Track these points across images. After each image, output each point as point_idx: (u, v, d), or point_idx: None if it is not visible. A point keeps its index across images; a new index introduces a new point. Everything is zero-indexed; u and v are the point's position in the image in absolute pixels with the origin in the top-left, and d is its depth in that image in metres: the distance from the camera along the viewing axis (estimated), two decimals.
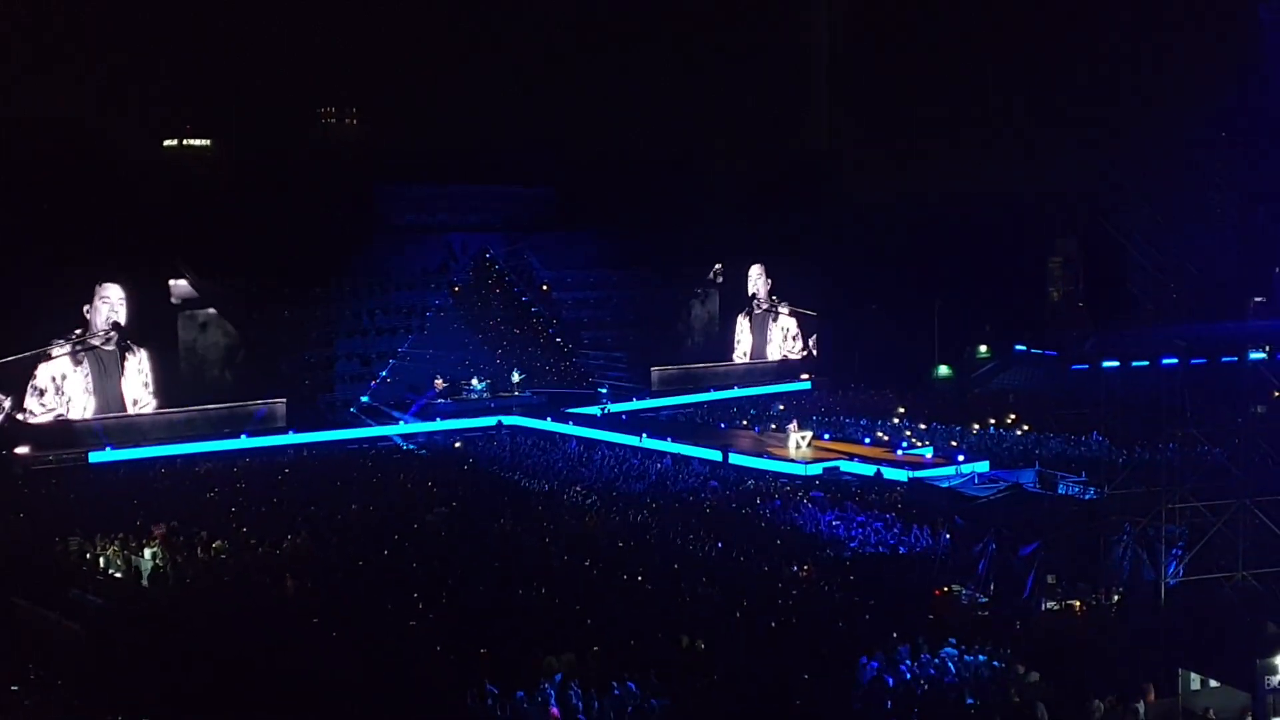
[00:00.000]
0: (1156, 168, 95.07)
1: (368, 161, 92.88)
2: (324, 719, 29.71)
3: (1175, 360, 39.83)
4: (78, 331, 68.24)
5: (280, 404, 73.73)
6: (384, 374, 78.81)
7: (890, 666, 31.67)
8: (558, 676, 31.00)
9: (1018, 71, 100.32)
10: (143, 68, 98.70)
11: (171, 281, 71.91)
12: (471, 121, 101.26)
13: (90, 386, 68.51)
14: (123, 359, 69.71)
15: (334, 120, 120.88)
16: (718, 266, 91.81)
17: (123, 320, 69.44)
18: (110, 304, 69.22)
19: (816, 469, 59.29)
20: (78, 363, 68.19)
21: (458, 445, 69.74)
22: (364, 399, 76.94)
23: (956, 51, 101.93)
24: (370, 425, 73.61)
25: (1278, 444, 53.47)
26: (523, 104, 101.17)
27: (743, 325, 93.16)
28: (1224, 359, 39.53)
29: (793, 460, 61.08)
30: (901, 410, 74.92)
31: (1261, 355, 40.58)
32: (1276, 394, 44.76)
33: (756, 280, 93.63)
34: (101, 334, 68.80)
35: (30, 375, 66.87)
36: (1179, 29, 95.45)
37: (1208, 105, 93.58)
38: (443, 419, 75.70)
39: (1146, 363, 40.55)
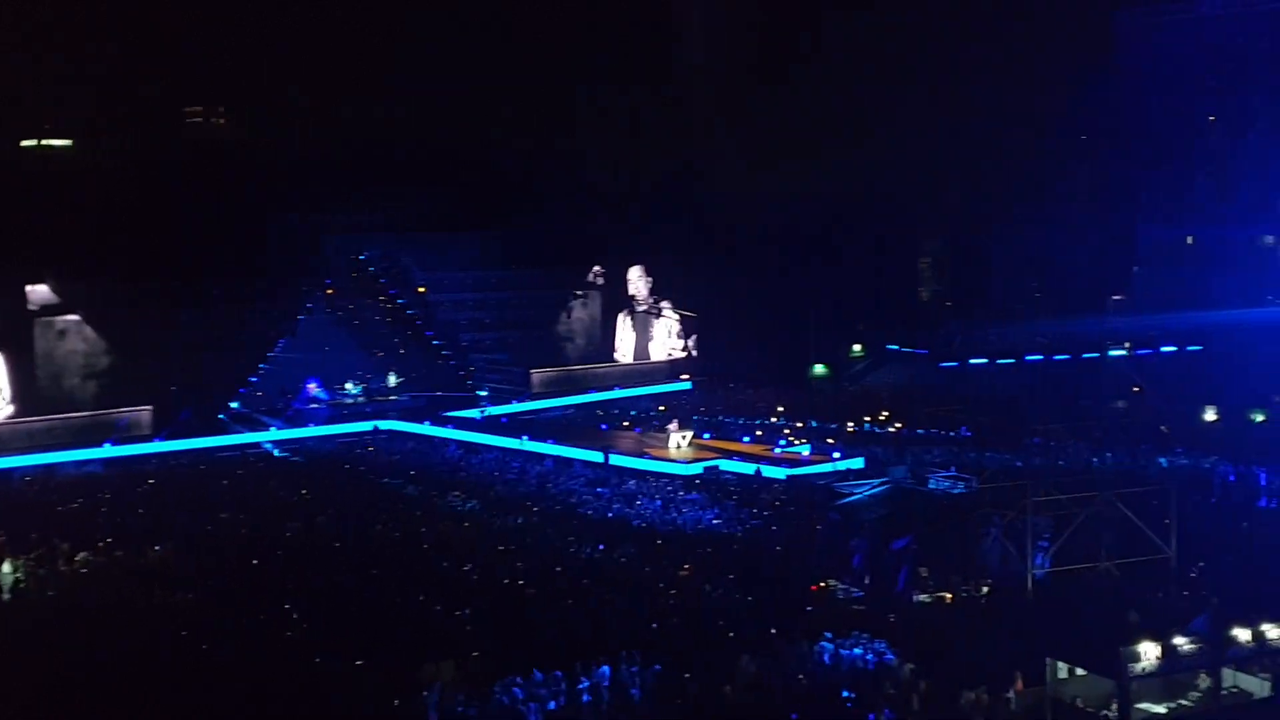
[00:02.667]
0: (1020, 171, 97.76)
1: (238, 161, 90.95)
2: None
3: (1039, 357, 41.03)
4: None
5: (146, 411, 71.67)
6: (255, 379, 77.18)
7: (769, 661, 32.08)
8: (438, 685, 30.78)
9: (886, 76, 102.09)
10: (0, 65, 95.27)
11: (29, 287, 69.58)
12: (345, 122, 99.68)
13: None
14: None
15: (202, 119, 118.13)
16: (597, 269, 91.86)
17: None
18: None
19: (697, 468, 59.68)
20: None
21: (371, 449, 68.60)
22: (234, 405, 75.27)
23: (825, 54, 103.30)
24: (241, 432, 72.04)
25: (1138, 438, 55.53)
26: (398, 103, 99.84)
27: (624, 325, 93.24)
28: (1085, 355, 40.82)
29: (673, 460, 61.38)
30: (780, 409, 75.78)
31: (1121, 352, 42.03)
32: (1136, 389, 46.52)
33: (637, 281, 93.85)
34: None
35: None
36: (1038, 36, 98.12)
37: (1068, 109, 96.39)
38: (316, 424, 74.44)
39: (1012, 360, 41.73)
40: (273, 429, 72.46)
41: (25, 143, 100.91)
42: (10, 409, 68.15)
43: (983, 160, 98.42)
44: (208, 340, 75.53)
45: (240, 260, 77.89)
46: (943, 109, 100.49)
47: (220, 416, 72.71)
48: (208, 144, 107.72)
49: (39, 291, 69.98)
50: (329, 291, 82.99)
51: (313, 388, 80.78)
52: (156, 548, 45.71)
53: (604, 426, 74.03)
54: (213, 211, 77.71)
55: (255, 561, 44.07)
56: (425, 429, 72.99)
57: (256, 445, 70.48)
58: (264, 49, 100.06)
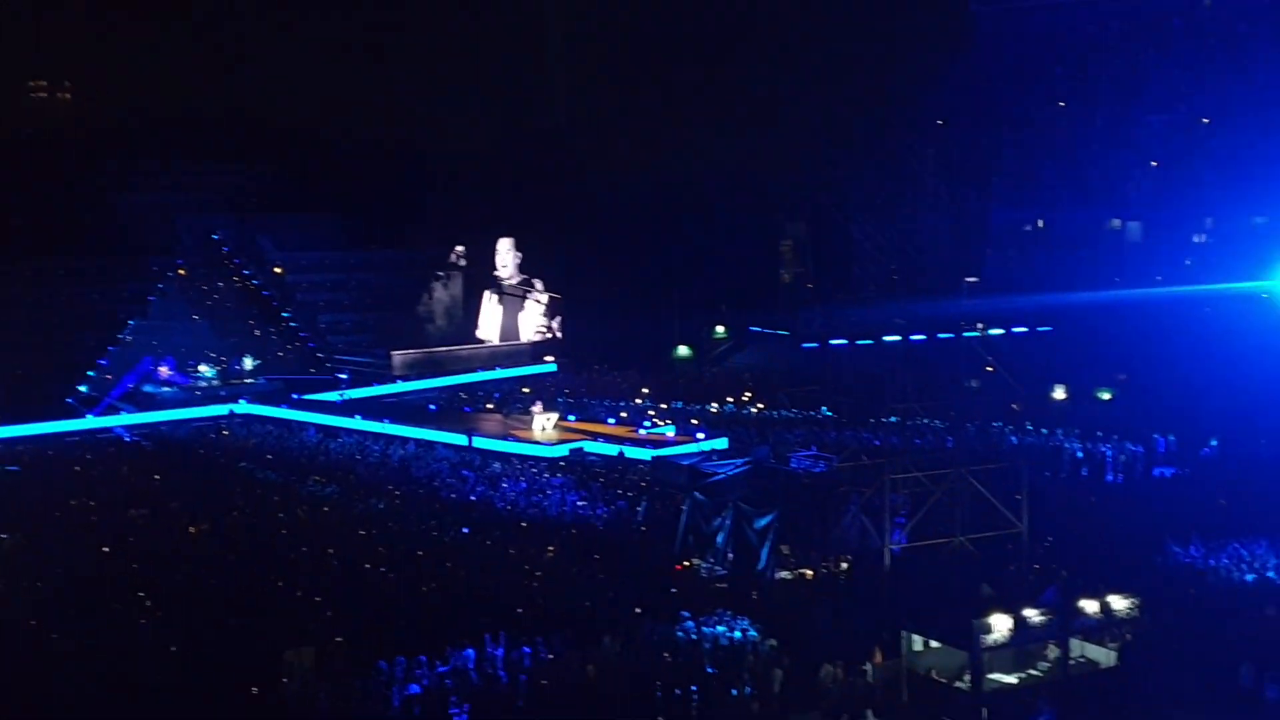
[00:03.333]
0: (878, 155, 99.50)
1: (83, 138, 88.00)
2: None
3: (897, 338, 41.84)
4: None
5: None
6: (104, 361, 74.80)
7: (632, 640, 32.22)
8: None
9: (750, 57, 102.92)
10: None
11: None
12: (196, 98, 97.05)
13: None
14: None
15: (46, 95, 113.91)
16: (459, 249, 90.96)
17: None
18: None
19: (562, 450, 59.60)
20: None
21: (225, 433, 66.83)
22: (82, 389, 72.83)
23: (691, 35, 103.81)
24: (89, 416, 69.75)
25: (991, 416, 57.03)
26: (250, 80, 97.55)
27: (490, 303, 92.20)
28: (941, 336, 41.73)
29: (538, 442, 61.22)
30: (645, 390, 76.05)
31: (975, 333, 43.05)
32: (990, 369, 47.65)
33: (505, 254, 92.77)
34: None
35: None
36: (895, 20, 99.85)
37: (925, 93, 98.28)
38: (169, 408, 72.45)
39: (870, 341, 42.47)
40: (123, 413, 70.34)
41: None
42: None
43: (842, 144, 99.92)
44: (53, 321, 73.12)
45: (87, 239, 75.49)
46: (805, 92, 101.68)
47: (68, 400, 70.33)
48: (51, 120, 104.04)
49: None
50: (181, 272, 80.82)
51: (164, 370, 78.59)
52: (3, 536, 44.06)
53: (467, 409, 73.53)
54: (57, 189, 75.15)
55: (105, 549, 42.75)
56: (283, 413, 71.58)
57: (107, 430, 68.35)
58: (108, 23, 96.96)
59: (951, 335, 41.83)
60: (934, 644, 31.31)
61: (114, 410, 70.49)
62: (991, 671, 30.26)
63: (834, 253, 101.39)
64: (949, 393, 40.73)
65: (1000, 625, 29.58)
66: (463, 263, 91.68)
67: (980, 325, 43.61)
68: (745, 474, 41.82)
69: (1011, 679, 30.47)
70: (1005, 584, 32.26)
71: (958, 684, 30.17)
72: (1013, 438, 56.45)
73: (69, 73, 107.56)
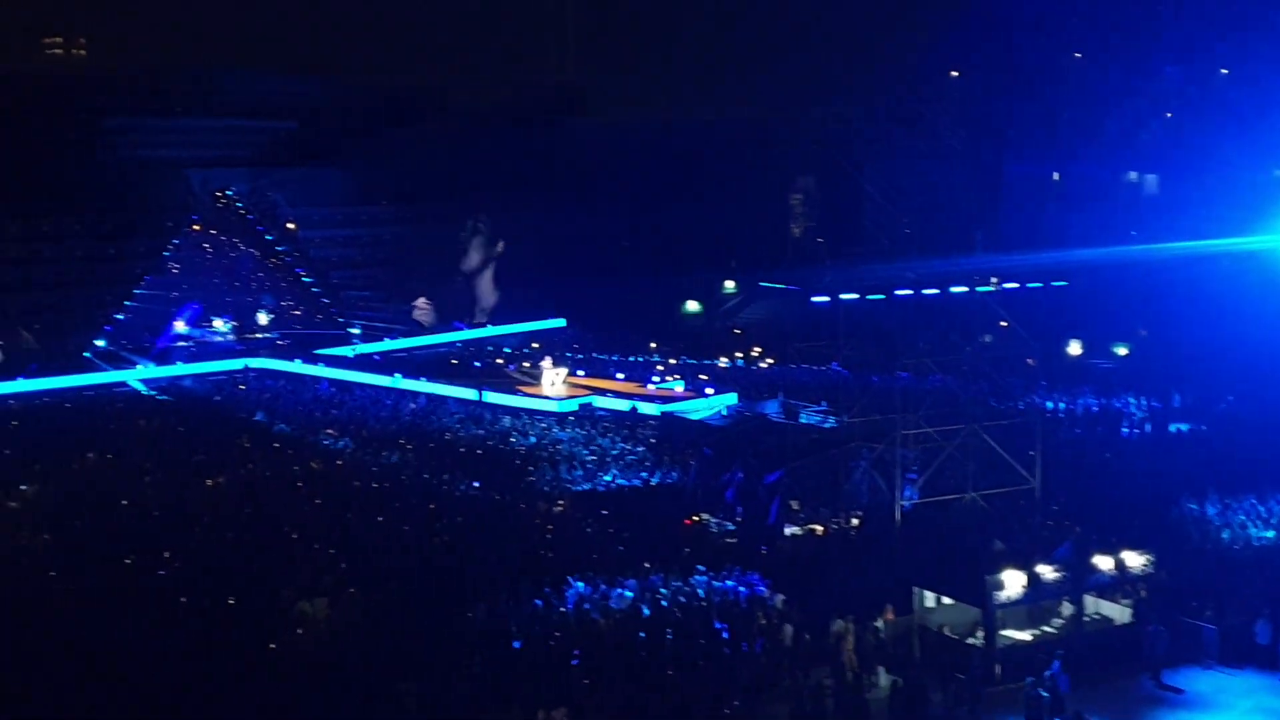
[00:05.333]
0: (890, 106, 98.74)
1: (98, 93, 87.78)
2: (65, 673, 28.44)
3: (909, 292, 41.61)
4: None
5: None
6: (121, 316, 75.03)
7: (645, 594, 32.37)
8: None
9: (761, 10, 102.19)
10: None
11: None
12: (208, 53, 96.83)
13: None
14: None
15: (61, 50, 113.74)
16: (470, 207, 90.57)
17: None
18: None
19: (571, 405, 59.70)
20: None
21: (242, 387, 67.03)
22: (100, 343, 73.11)
23: None
24: (107, 370, 70.05)
25: (1003, 372, 56.85)
26: (263, 35, 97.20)
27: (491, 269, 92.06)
28: (953, 290, 41.48)
29: (548, 397, 61.33)
30: (654, 346, 76.01)
31: (989, 288, 42.75)
32: (1003, 324, 47.33)
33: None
34: None
35: None
36: None
37: (938, 42, 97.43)
38: (185, 363, 72.74)
39: (882, 295, 42.22)
40: (140, 367, 70.66)
41: None
42: None
43: (854, 96, 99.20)
44: (70, 277, 73.42)
45: (103, 195, 75.55)
46: (816, 43, 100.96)
47: (86, 355, 70.62)
48: (66, 75, 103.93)
49: None
50: (195, 228, 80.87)
51: (181, 325, 78.87)
52: (24, 487, 44.32)
53: (478, 364, 73.66)
54: (73, 145, 75.16)
55: (124, 502, 43.04)
56: (297, 367, 71.82)
57: (124, 384, 68.69)
58: None
59: (965, 290, 41.44)
60: (946, 600, 31.36)
61: (132, 364, 70.76)
62: (1004, 628, 30.26)
63: (845, 206, 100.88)
64: (962, 348, 40.59)
65: (1013, 582, 29.58)
66: (473, 220, 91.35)
67: (994, 280, 43.23)
68: (754, 429, 41.84)
69: (1025, 635, 30.49)
70: (1018, 540, 32.23)
71: (970, 640, 30.22)
72: (1026, 393, 56.35)
73: (84, 27, 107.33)
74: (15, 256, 71.41)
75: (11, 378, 65.60)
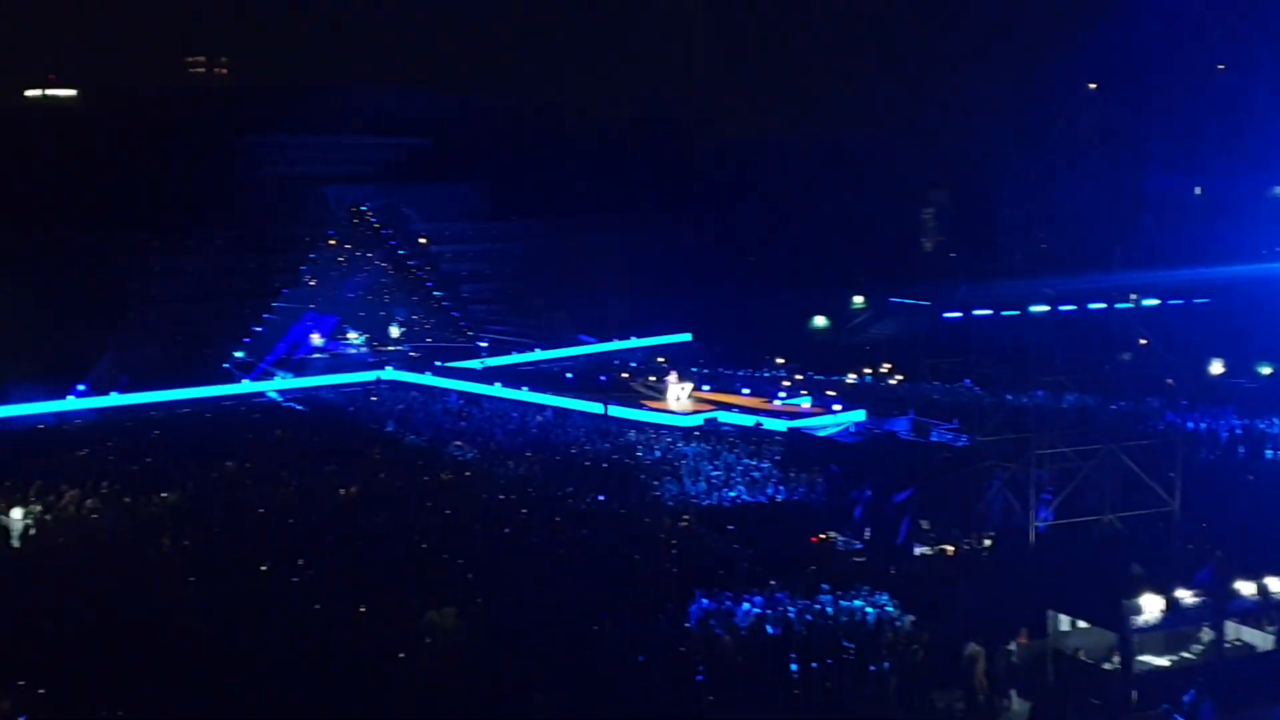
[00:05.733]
0: (1026, 120, 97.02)
1: (239, 111, 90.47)
2: (201, 676, 29.15)
3: (1045, 308, 40.76)
4: None
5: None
6: (259, 328, 77.08)
7: (771, 612, 32.07)
8: None
9: (889, 24, 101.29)
10: (3, 16, 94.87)
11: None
12: (345, 72, 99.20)
13: None
14: None
15: (203, 69, 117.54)
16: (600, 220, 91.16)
17: None
18: None
19: (696, 420, 59.59)
20: None
21: (374, 398, 68.39)
22: (239, 354, 75.18)
23: (826, 3, 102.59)
24: (246, 381, 72.00)
25: (1143, 390, 55.37)
26: (397, 55, 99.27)
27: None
28: (1091, 307, 40.52)
29: (673, 412, 61.30)
30: (780, 361, 75.56)
31: (1128, 304, 41.73)
32: (1143, 341, 46.28)
33: None
34: None
35: None
36: None
37: (1077, 56, 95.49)
38: (320, 374, 74.39)
39: (1016, 311, 41.43)
40: (277, 378, 72.48)
41: (30, 92, 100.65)
42: None
43: (989, 109, 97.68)
44: (211, 289, 75.60)
45: (242, 210, 77.73)
46: (949, 56, 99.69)
47: (225, 366, 72.66)
48: (209, 93, 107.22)
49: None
50: (331, 242, 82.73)
51: (316, 338, 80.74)
52: (164, 495, 45.67)
53: (603, 378, 73.97)
54: (215, 162, 77.44)
55: (261, 510, 44.07)
56: (427, 379, 72.93)
57: (261, 394, 70.51)
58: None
59: (1103, 306, 40.48)
60: (1081, 624, 30.56)
61: (269, 375, 72.66)
62: (1142, 653, 29.37)
63: (978, 221, 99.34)
64: (1100, 366, 39.56)
65: (1151, 606, 28.70)
66: (601, 234, 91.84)
67: (1134, 296, 42.19)
68: (883, 447, 41.29)
69: (1163, 661, 29.56)
70: (1157, 564, 31.26)
71: (1106, 666, 29.40)
72: (1166, 413, 54.73)
73: (225, 48, 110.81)
74: (158, 269, 73.71)
75: (104, 391, 67.31)
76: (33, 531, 42.37)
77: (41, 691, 27.69)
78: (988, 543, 38.07)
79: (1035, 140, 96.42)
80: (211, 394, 69.44)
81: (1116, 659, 29.27)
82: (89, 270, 71.17)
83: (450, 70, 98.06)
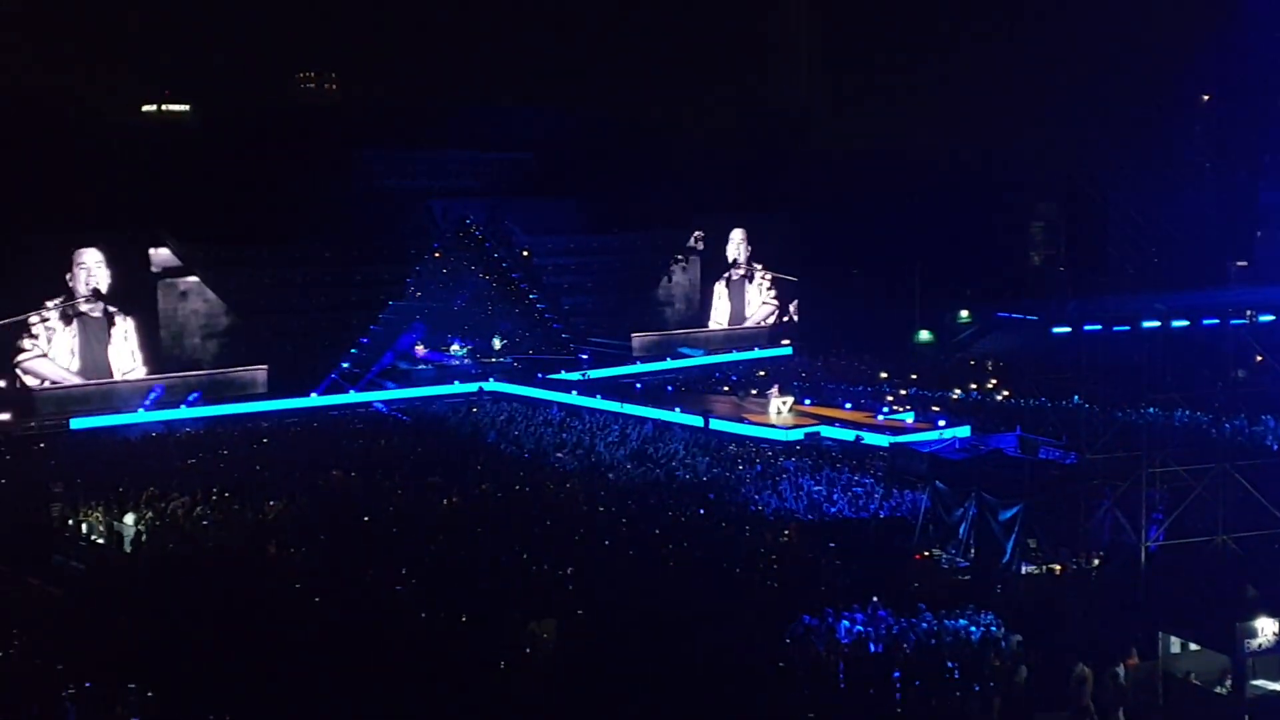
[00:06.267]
0: (1138, 131, 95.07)
1: (347, 125, 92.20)
2: (306, 682, 29.67)
3: (1156, 324, 39.89)
4: (60, 299, 67.87)
5: (261, 371, 73.52)
6: (365, 340, 78.28)
7: (873, 629, 31.80)
8: None
9: (998, 32, 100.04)
10: (122, 33, 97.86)
11: (151, 250, 71.38)
12: (451, 86, 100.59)
13: (77, 351, 68.19)
14: (109, 326, 69.35)
15: (313, 84, 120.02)
16: (698, 233, 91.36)
17: (103, 287, 69.09)
18: (88, 269, 68.70)
19: (797, 434, 59.29)
20: (66, 327, 67.87)
21: (475, 409, 69.24)
22: (345, 365, 76.44)
23: (936, 11, 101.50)
24: (351, 391, 73.21)
25: (1258, 408, 53.88)
26: (502, 69, 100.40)
27: (720, 291, 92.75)
28: (1205, 323, 39.52)
29: (774, 425, 61.08)
30: (883, 375, 74.91)
31: (1243, 320, 40.56)
32: (1259, 359, 44.93)
33: (738, 245, 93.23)
34: (85, 300, 68.42)
35: (18, 340, 66.52)
36: None
37: (1189, 67, 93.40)
38: (424, 385, 75.38)
39: (1128, 327, 40.54)
40: (383, 388, 73.57)
41: (146, 108, 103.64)
42: (143, 369, 70.22)
43: (1099, 121, 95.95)
44: (318, 301, 76.99)
45: (349, 222, 79.06)
46: (1058, 67, 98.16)
47: (332, 376, 73.91)
48: (319, 108, 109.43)
49: (161, 254, 71.74)
50: (435, 255, 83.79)
51: (420, 349, 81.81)
52: (272, 503, 46.61)
53: (703, 391, 73.95)
54: (322, 174, 78.92)
55: (366, 518, 44.76)
56: (528, 391, 73.50)
57: (367, 404, 71.62)
58: (376, 15, 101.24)
59: (1217, 322, 39.42)
60: (1193, 647, 29.86)
61: (375, 385, 73.80)
62: (1255, 678, 28.65)
63: (1088, 234, 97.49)
64: (1213, 383, 38.55)
65: (1266, 629, 28.00)
66: (701, 246, 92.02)
67: (1249, 312, 41.03)
68: (989, 463, 40.69)
69: (1277, 686, 28.78)
70: (1272, 586, 30.39)
71: (1218, 689, 28.70)
72: None
73: (335, 63, 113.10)
74: (268, 281, 75.24)
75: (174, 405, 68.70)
76: (144, 538, 43.46)
77: (151, 695, 28.30)
78: (1096, 562, 37.36)
79: (1147, 152, 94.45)
80: (318, 404, 70.83)
81: (1229, 683, 28.60)
82: (202, 281, 72.91)
83: (553, 84, 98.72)
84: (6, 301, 66.18)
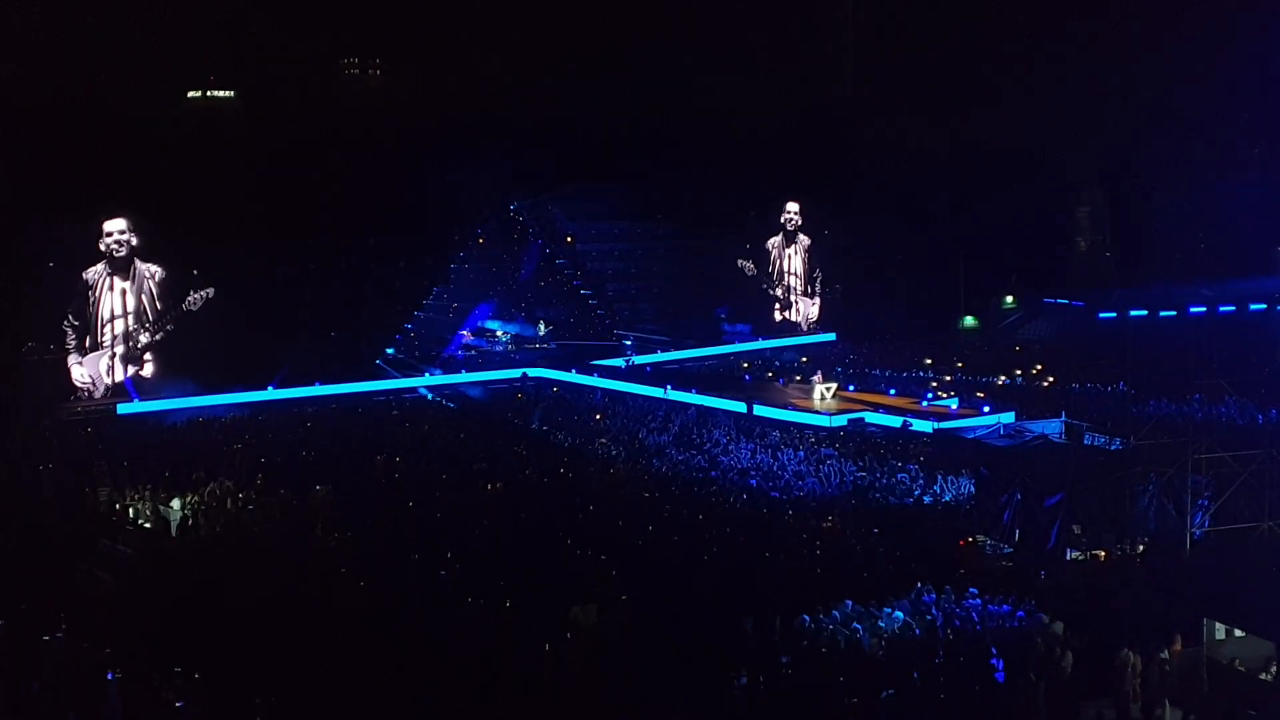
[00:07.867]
0: (1183, 117, 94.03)
1: (392, 114, 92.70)
2: (351, 666, 29.99)
3: (1202, 309, 39.61)
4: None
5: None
6: (409, 326, 78.84)
7: (916, 615, 31.83)
8: None
9: (1046, 19, 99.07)
10: (166, 19, 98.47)
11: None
12: (494, 74, 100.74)
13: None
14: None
15: (358, 72, 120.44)
16: (751, 214, 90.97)
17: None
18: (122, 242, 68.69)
19: (841, 420, 59.26)
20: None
21: (520, 395, 69.58)
22: (389, 351, 77.03)
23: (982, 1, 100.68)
24: (396, 377, 73.75)
25: None
26: (547, 57, 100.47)
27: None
28: (1252, 308, 39.20)
29: (818, 412, 61.07)
30: (928, 361, 74.69)
31: None
32: None
33: (793, 215, 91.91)
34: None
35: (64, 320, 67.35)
36: None
37: (1235, 54, 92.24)
38: (468, 371, 75.88)
39: (1174, 313, 40.29)
40: (428, 374, 74.06)
41: (191, 94, 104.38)
42: None
43: (1145, 107, 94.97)
44: (365, 288, 77.57)
45: (394, 210, 79.58)
46: (1105, 53, 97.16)
47: (377, 362, 74.49)
48: (363, 96, 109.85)
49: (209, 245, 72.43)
50: (480, 241, 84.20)
51: (466, 335, 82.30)
52: (318, 488, 47.09)
53: (747, 378, 73.96)
54: (367, 162, 79.43)
55: (411, 504, 45.12)
56: (572, 377, 73.79)
57: (412, 390, 72.10)
58: (421, 3, 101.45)
59: (1264, 308, 39.15)
60: (1238, 633, 29.71)
61: (420, 371, 74.23)
62: None
63: (1134, 221, 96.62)
64: (1259, 369, 38.24)
65: None
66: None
67: None
68: (1034, 449, 40.57)
69: None
70: None
71: (1263, 676, 28.54)
72: None
73: (380, 50, 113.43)
74: (315, 270, 75.83)
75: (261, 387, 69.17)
76: (190, 522, 43.99)
77: (198, 678, 28.67)
78: (1141, 549, 37.21)
79: (1193, 137, 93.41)
80: (364, 389, 71.30)
81: (1274, 669, 28.41)
82: (247, 270, 73.48)
83: (597, 72, 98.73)
84: (56, 287, 66.73)
